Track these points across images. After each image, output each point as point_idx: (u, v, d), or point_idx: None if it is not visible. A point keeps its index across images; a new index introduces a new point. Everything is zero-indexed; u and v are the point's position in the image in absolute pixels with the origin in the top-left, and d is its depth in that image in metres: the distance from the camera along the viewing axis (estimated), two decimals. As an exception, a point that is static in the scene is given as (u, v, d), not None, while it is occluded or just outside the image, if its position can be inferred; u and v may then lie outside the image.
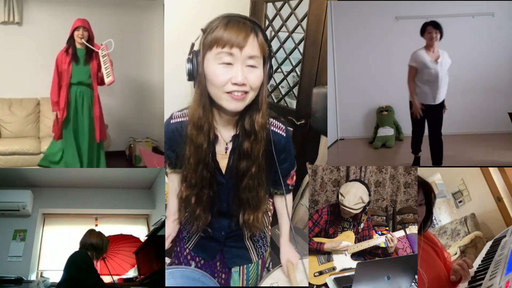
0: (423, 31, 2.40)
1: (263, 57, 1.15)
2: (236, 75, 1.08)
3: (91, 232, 2.18)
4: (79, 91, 3.03)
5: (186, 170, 1.28)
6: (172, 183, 1.50)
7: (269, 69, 1.20)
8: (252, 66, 1.11)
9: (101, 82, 3.10)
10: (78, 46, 2.97)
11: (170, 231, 1.53)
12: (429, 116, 2.53)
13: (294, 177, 1.47)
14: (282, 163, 1.34)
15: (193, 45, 1.17)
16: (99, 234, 2.19)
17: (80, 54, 2.98)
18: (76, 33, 2.93)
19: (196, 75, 1.15)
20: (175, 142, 1.31)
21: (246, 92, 1.12)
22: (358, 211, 1.93)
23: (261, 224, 1.37)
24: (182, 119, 1.29)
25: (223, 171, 1.31)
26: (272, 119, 1.30)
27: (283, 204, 1.47)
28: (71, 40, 2.97)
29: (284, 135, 1.32)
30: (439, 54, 2.43)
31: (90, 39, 2.97)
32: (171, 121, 1.32)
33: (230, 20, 1.09)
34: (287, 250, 1.51)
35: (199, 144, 1.22)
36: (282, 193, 1.45)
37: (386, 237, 1.96)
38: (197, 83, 1.16)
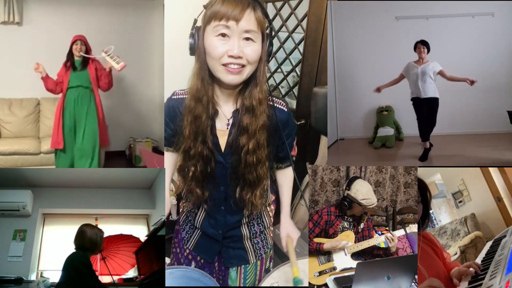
0: (415, 48, 2.79)
1: (262, 33, 1.17)
2: (232, 47, 1.12)
3: (82, 230, 2.07)
4: (78, 93, 3.12)
5: (184, 141, 1.28)
6: (167, 162, 1.50)
7: (268, 46, 1.22)
8: (249, 39, 1.13)
9: (104, 85, 3.20)
10: (76, 57, 3.13)
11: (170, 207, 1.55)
12: (424, 107, 2.79)
13: (296, 148, 1.48)
14: (286, 138, 1.35)
15: (195, 21, 1.21)
16: (92, 230, 2.08)
17: (77, 63, 3.15)
18: (74, 47, 3.11)
19: (196, 49, 1.19)
20: (173, 118, 1.32)
21: (243, 66, 1.15)
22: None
23: (258, 201, 1.35)
24: (183, 96, 1.30)
25: (222, 148, 1.31)
26: (271, 97, 1.32)
27: (285, 178, 1.50)
28: (69, 54, 3.14)
29: (286, 110, 1.35)
30: (427, 62, 2.77)
31: (87, 52, 3.15)
32: (172, 97, 1.34)
33: None
34: (287, 225, 1.50)
35: (197, 115, 1.24)
36: (286, 166, 1.47)
37: (386, 236, 1.96)
38: (197, 56, 1.20)
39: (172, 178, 2.87)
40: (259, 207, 1.39)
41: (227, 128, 1.29)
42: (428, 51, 2.80)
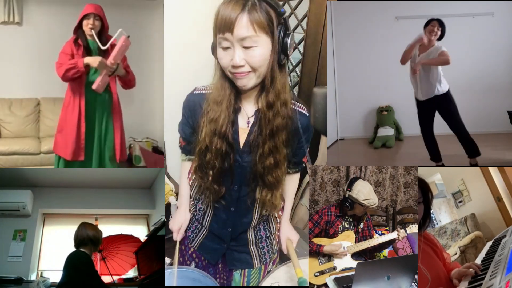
0: (427, 25, 2.43)
1: (266, 32, 1.13)
2: (233, 58, 1.13)
3: (85, 225, 2.10)
4: (94, 95, 2.35)
5: (199, 139, 1.28)
6: (184, 170, 1.49)
7: (283, 38, 1.17)
8: (247, 47, 1.12)
9: (124, 84, 2.50)
10: (89, 37, 2.32)
11: (182, 220, 1.49)
12: (438, 108, 2.53)
13: (308, 155, 1.48)
14: (305, 143, 1.36)
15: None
16: (94, 226, 2.14)
17: (93, 46, 2.33)
18: (85, 22, 2.26)
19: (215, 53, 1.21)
20: (194, 114, 1.32)
21: (248, 72, 1.15)
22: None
23: (278, 202, 1.37)
24: (205, 92, 1.30)
25: (241, 145, 1.30)
26: (293, 100, 1.30)
27: (292, 182, 1.51)
28: (79, 30, 2.30)
29: (307, 114, 1.35)
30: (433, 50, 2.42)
31: (103, 29, 2.33)
32: (194, 92, 1.34)
33: (225, 1, 1.13)
34: (287, 229, 1.52)
35: (214, 117, 1.24)
36: (295, 171, 1.48)
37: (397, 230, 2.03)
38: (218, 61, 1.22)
39: (169, 176, 2.84)
40: (278, 208, 1.42)
41: (248, 127, 1.29)
42: (442, 36, 2.39)
